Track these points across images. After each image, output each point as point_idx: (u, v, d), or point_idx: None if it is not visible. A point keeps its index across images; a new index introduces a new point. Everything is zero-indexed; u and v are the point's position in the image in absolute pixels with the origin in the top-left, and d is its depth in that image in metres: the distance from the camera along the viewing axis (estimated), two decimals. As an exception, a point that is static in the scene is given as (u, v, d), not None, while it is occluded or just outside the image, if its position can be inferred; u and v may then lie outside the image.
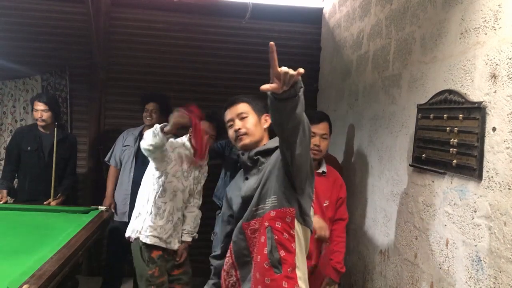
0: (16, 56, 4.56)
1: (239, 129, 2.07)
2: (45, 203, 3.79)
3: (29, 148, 3.93)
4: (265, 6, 4.80)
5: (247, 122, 2.09)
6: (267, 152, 2.04)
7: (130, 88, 4.74)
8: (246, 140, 2.07)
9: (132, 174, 3.93)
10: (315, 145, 2.80)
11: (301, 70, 1.62)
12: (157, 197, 3.10)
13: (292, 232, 1.90)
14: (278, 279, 1.85)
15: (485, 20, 2.02)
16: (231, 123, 2.12)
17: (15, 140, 3.99)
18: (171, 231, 3.15)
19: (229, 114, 2.14)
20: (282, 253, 1.87)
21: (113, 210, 3.98)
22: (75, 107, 4.74)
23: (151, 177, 3.15)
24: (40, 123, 3.96)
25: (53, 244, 2.61)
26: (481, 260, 1.95)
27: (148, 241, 3.06)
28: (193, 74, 4.86)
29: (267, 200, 1.93)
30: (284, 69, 1.61)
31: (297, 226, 1.92)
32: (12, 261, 2.32)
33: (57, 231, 2.94)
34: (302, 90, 1.69)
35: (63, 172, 4.04)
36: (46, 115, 3.93)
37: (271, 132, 2.08)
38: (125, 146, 4.05)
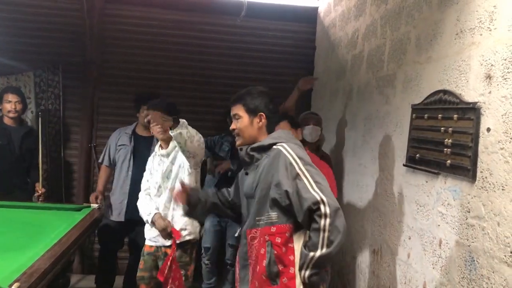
0: (9, 52, 4.51)
1: (234, 129, 2.22)
2: (36, 195, 3.80)
3: (0, 143, 3.89)
4: (260, 5, 4.79)
5: (240, 123, 2.21)
6: (261, 149, 2.15)
7: (124, 85, 4.71)
8: (239, 141, 2.23)
9: (130, 173, 3.88)
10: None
11: None
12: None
13: (290, 245, 2.03)
14: None
15: (480, 21, 2.02)
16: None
17: None
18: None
19: (231, 112, 2.26)
20: (280, 266, 2.00)
21: (100, 204, 3.89)
22: (68, 103, 4.71)
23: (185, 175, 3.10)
24: (12, 114, 3.94)
25: (45, 242, 2.58)
26: (474, 261, 1.96)
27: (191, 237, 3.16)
28: (187, 71, 4.84)
29: (267, 213, 2.05)
30: None
31: (296, 238, 2.05)
32: (3, 259, 2.30)
33: (49, 228, 2.92)
34: None
35: (31, 164, 4.03)
36: (19, 107, 3.96)
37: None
38: (120, 145, 3.97)
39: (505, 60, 1.82)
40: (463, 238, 2.05)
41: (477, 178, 1.96)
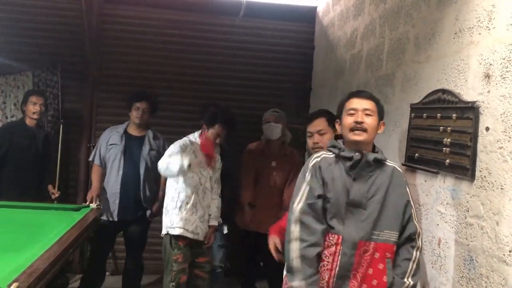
0: (7, 52, 4.51)
1: (361, 122, 2.15)
2: (53, 197, 3.92)
3: (23, 144, 3.94)
4: (259, 4, 4.79)
5: (372, 120, 2.18)
6: (379, 162, 2.17)
7: (122, 85, 4.71)
8: (362, 137, 2.15)
9: (121, 172, 3.86)
10: (314, 143, 2.76)
11: None
12: (179, 193, 3.36)
13: None
14: None
15: (479, 20, 2.02)
16: (354, 112, 2.19)
17: (6, 136, 3.97)
18: (198, 223, 3.39)
19: (355, 103, 2.21)
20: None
21: (99, 204, 3.88)
22: (67, 103, 4.70)
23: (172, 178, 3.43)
24: (37, 116, 4.01)
25: (44, 242, 2.58)
26: (473, 260, 1.96)
27: (175, 232, 3.32)
28: (186, 71, 4.84)
29: (389, 231, 2.12)
30: None
31: None
32: (2, 259, 2.29)
33: (47, 228, 2.91)
34: None
35: (45, 167, 4.09)
36: (43, 109, 4.06)
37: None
38: (110, 145, 3.93)
39: (504, 59, 1.82)
40: (462, 237, 2.05)
41: (476, 177, 1.96)
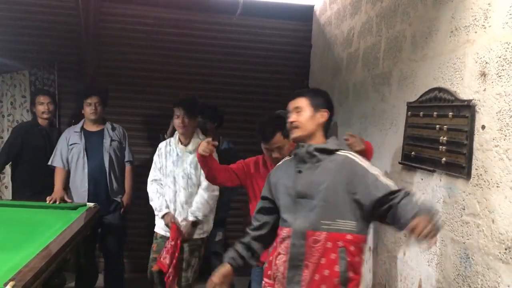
0: (4, 51, 4.48)
1: (292, 121, 2.15)
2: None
3: (37, 144, 3.97)
4: (256, 3, 4.78)
5: (301, 116, 2.15)
6: (326, 151, 2.10)
7: (119, 84, 4.70)
8: (296, 134, 2.15)
9: (86, 170, 3.85)
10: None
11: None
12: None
13: (363, 256, 2.08)
14: None
15: (475, 19, 2.02)
16: (289, 115, 2.20)
17: (19, 136, 3.99)
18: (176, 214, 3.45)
19: (289, 106, 2.23)
20: (351, 273, 2.02)
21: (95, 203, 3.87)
22: (63, 102, 4.68)
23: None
24: (46, 115, 4.03)
25: (41, 241, 2.57)
26: (469, 258, 1.96)
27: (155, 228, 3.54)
28: (183, 70, 4.83)
29: (343, 220, 2.02)
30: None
31: (365, 249, 2.15)
32: (-2, 258, 2.29)
33: (44, 227, 2.91)
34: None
35: None
36: (51, 107, 4.05)
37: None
38: (71, 145, 3.90)
39: (500, 57, 1.83)
40: (458, 235, 2.06)
41: (472, 176, 1.97)
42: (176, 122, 3.45)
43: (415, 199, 1.90)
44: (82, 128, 3.95)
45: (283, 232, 2.12)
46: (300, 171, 2.13)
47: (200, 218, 3.39)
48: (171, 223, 3.38)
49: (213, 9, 4.81)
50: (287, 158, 2.30)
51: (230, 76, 4.87)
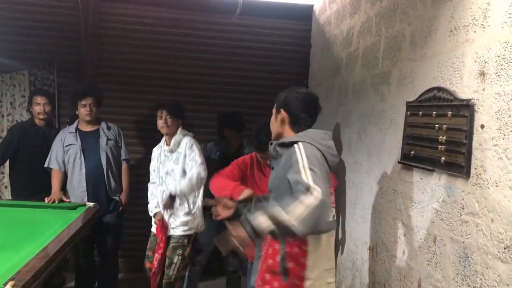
0: (3, 51, 4.49)
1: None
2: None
3: (33, 144, 3.97)
4: (255, 3, 4.78)
5: (271, 120, 2.35)
6: (284, 145, 2.19)
7: (119, 84, 4.70)
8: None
9: (83, 170, 3.87)
10: None
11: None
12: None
13: (304, 247, 2.08)
14: (284, 286, 2.09)
15: (474, 18, 2.03)
16: None
17: (16, 136, 3.99)
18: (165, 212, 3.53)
19: None
20: (291, 264, 2.05)
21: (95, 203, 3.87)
22: (63, 102, 4.68)
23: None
24: (42, 116, 4.02)
25: (40, 240, 2.58)
26: (468, 257, 1.96)
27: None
28: (182, 70, 4.83)
29: None
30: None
31: (311, 242, 2.11)
32: (-2, 257, 2.29)
33: (44, 227, 2.91)
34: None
35: None
36: (48, 108, 4.05)
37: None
38: (67, 146, 3.91)
39: (499, 57, 1.83)
40: (457, 234, 2.06)
41: (471, 175, 1.97)
42: (160, 123, 3.61)
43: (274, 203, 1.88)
44: (77, 128, 3.96)
45: None
46: (273, 168, 2.26)
47: (176, 192, 3.42)
48: (158, 220, 3.55)
49: (212, 8, 4.82)
50: None
51: (230, 76, 4.87)
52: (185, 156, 3.55)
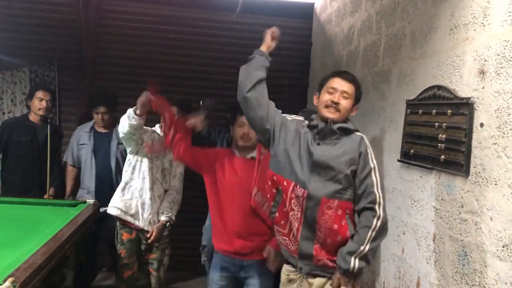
0: (4, 48, 4.50)
1: (337, 103, 2.27)
2: (45, 196, 3.83)
3: (23, 139, 3.90)
4: (256, 1, 4.78)
5: (346, 103, 2.30)
6: (346, 130, 2.28)
7: (119, 81, 4.69)
8: (335, 115, 2.27)
9: (94, 171, 3.88)
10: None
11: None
12: (127, 173, 3.32)
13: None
14: None
15: (474, 16, 2.03)
16: (332, 91, 2.31)
17: (5, 131, 3.93)
18: (138, 209, 3.28)
19: (336, 83, 2.32)
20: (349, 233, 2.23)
21: (95, 200, 3.88)
22: (64, 99, 4.69)
23: (127, 157, 3.38)
24: (42, 112, 3.94)
25: (40, 237, 2.58)
26: (467, 255, 1.97)
27: (112, 212, 3.30)
28: (183, 67, 4.83)
29: (351, 190, 2.23)
30: None
31: None
32: (-2, 254, 2.30)
33: (44, 224, 2.91)
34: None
35: (53, 163, 3.99)
36: (49, 105, 4.00)
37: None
38: (81, 144, 3.94)
39: (498, 55, 1.83)
40: (456, 232, 2.06)
41: (471, 173, 1.97)
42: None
43: (368, 229, 2.16)
44: (92, 128, 3.99)
45: (298, 190, 2.24)
46: (319, 144, 2.26)
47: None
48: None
49: (213, 6, 4.81)
50: (294, 125, 2.38)
51: (229, 74, 4.84)
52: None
